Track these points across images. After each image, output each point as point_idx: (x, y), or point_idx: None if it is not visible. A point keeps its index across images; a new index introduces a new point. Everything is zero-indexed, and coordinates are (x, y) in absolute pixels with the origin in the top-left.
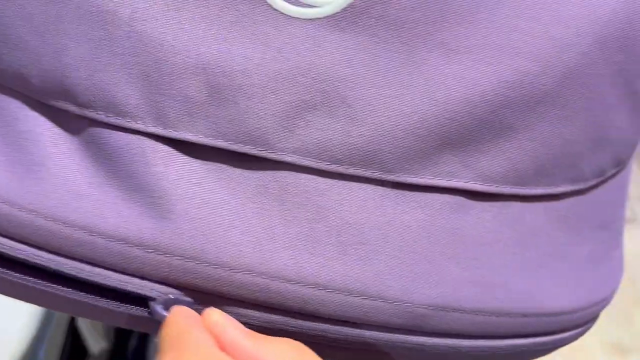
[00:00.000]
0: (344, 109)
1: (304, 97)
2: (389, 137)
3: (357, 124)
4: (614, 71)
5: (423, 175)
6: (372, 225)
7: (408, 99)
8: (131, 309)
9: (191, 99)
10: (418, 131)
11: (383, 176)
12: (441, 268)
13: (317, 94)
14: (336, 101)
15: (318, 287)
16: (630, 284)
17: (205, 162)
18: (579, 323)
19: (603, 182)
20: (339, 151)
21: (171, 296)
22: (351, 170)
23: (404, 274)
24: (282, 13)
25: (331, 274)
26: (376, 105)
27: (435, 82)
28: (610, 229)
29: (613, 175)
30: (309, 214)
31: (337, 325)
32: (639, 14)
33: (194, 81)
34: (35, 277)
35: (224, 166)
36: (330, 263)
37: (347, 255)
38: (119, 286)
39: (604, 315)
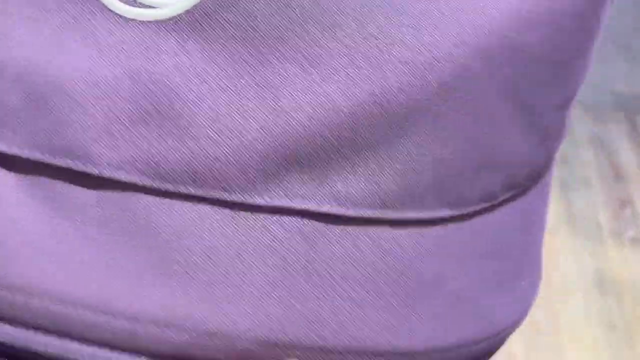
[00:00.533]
0: (176, 121)
1: (132, 107)
2: (226, 154)
3: (189, 139)
4: (502, 85)
5: (268, 196)
6: (203, 249)
7: (251, 113)
8: None
9: (6, 107)
10: (261, 148)
11: (220, 196)
12: (272, 299)
13: (148, 104)
14: (168, 113)
15: (128, 318)
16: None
17: (22, 176)
18: None
19: (494, 207)
20: (168, 168)
21: None
22: (182, 189)
23: (224, 304)
24: (117, 15)
25: (145, 302)
26: (213, 119)
27: (285, 97)
28: (506, 258)
29: (510, 200)
30: (131, 235)
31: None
32: (527, 24)
33: (11, 88)
34: None
35: (42, 180)
36: (145, 290)
37: (166, 282)
38: None
39: (608, 337)
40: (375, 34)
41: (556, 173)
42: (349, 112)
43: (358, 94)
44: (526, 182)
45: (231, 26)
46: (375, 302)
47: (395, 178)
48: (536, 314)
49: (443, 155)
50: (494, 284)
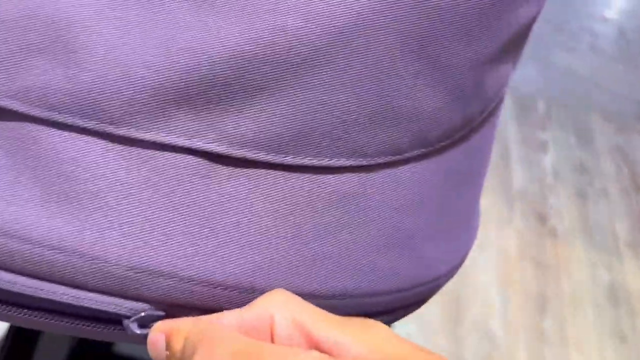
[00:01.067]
0: (68, 54)
1: (28, 41)
2: (114, 87)
3: (79, 70)
4: (404, 38)
5: (154, 131)
6: (86, 180)
7: (142, 49)
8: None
9: None
10: (149, 84)
11: (106, 128)
12: (163, 232)
13: (43, 38)
14: (61, 46)
15: (16, 239)
16: None
17: None
18: None
19: (402, 163)
20: (57, 98)
21: (143, 314)
22: (69, 120)
23: (113, 232)
24: None
25: (37, 228)
26: (104, 54)
27: (177, 34)
28: (411, 213)
29: (422, 157)
30: (18, 161)
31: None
32: None
33: None
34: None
35: None
36: (33, 216)
37: (51, 208)
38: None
39: (617, 349)
40: None
41: (575, 181)
42: (240, 54)
43: (250, 36)
44: (440, 140)
45: None
46: (259, 244)
47: (287, 123)
48: (543, 322)
49: (338, 103)
50: (399, 240)
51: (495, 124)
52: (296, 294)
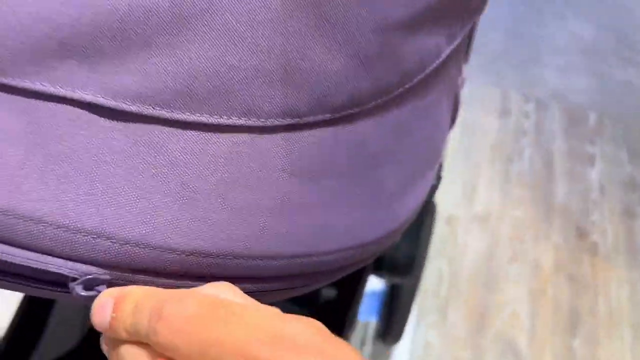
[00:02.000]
0: None
1: None
2: (0, 37)
3: None
4: None
5: (37, 81)
6: None
7: (28, 1)
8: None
9: None
10: (33, 34)
11: None
12: (39, 181)
13: None
14: None
15: None
16: None
17: None
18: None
19: (301, 127)
20: None
21: (89, 276)
22: None
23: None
24: None
25: None
26: None
27: None
28: (307, 179)
29: (326, 124)
30: None
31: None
32: None
33: None
34: None
35: None
36: None
37: None
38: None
39: None
40: None
41: (623, 198)
42: (124, 4)
43: None
44: (345, 106)
45: None
46: (138, 199)
47: (174, 77)
48: (573, 341)
49: (228, 60)
50: (299, 203)
51: (430, 104)
52: (180, 251)
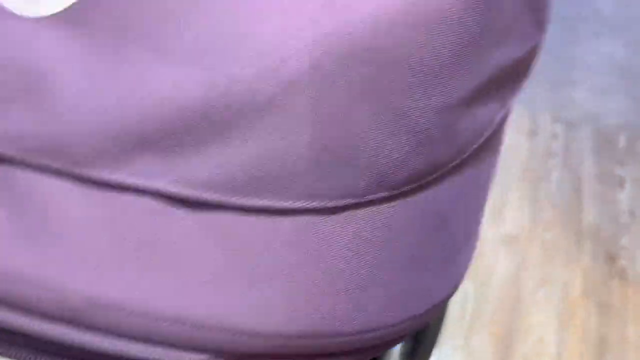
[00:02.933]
0: (42, 102)
1: (4, 90)
2: (79, 132)
3: (49, 115)
4: (358, 86)
5: (117, 173)
6: (49, 217)
7: (109, 95)
8: None
9: None
10: (113, 127)
11: (71, 169)
12: (121, 267)
13: (18, 86)
14: (35, 94)
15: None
16: None
17: None
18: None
19: (362, 205)
20: (29, 141)
21: None
22: (40, 160)
23: (79, 269)
24: (8, 10)
25: (18, 265)
26: (73, 100)
27: (142, 82)
28: (372, 255)
29: (386, 200)
30: (9, 204)
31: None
32: (384, 26)
33: None
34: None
35: None
36: (20, 254)
37: (37, 249)
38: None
39: None
40: (229, 27)
41: None
42: (199, 101)
43: (208, 83)
44: (406, 183)
45: (101, 18)
46: (217, 282)
47: (241, 166)
48: None
49: (292, 148)
50: (366, 278)
51: (486, 165)
52: (254, 334)
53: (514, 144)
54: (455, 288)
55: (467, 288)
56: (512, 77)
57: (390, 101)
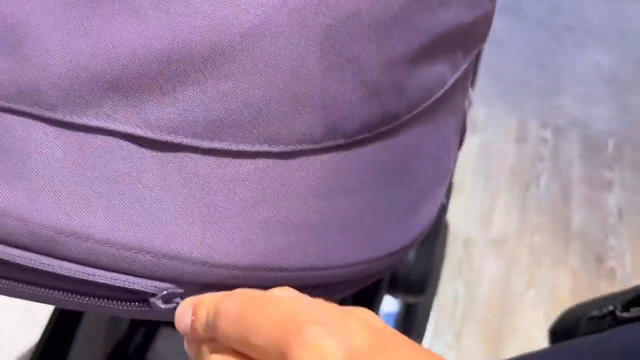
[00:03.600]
0: (18, 49)
1: None
2: (53, 76)
3: (24, 62)
4: (312, 36)
5: (86, 116)
6: (25, 157)
7: (80, 44)
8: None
9: None
10: (83, 73)
11: (44, 113)
12: (89, 202)
13: None
14: (11, 43)
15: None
16: None
17: None
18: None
19: (317, 152)
20: (7, 87)
21: (165, 292)
22: (14, 105)
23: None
24: None
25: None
26: (47, 48)
27: (111, 33)
28: (325, 198)
29: (339, 148)
30: None
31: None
32: None
33: None
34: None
35: None
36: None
37: (10, 191)
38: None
39: None
40: None
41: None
42: (162, 52)
43: (170, 35)
44: (357, 132)
45: None
46: (179, 217)
47: (204, 111)
48: None
49: (252, 94)
50: (319, 219)
51: (438, 128)
52: (212, 265)
53: (503, 149)
54: (400, 251)
55: (457, 288)
56: (461, 41)
57: (342, 51)
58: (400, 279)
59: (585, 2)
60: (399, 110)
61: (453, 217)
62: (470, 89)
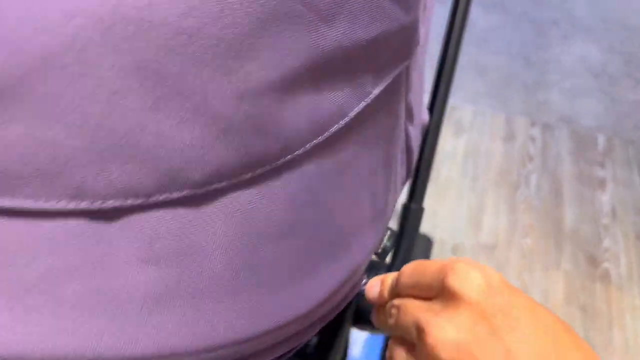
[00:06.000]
0: None
1: None
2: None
3: None
4: (131, 63)
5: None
6: None
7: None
8: None
9: None
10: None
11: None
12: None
13: None
14: None
15: None
16: None
17: None
18: None
19: (150, 207)
20: None
21: None
22: None
23: None
24: None
25: None
26: None
27: None
28: (167, 268)
29: (188, 201)
30: None
31: None
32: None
33: None
34: None
35: None
36: None
37: None
38: None
39: None
40: None
41: (636, 223)
42: None
43: None
44: (211, 181)
45: None
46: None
47: None
48: None
49: (50, 137)
50: (158, 293)
51: (347, 167)
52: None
53: (490, 149)
54: (295, 320)
55: None
56: (365, 62)
57: (173, 82)
58: (363, 311)
59: None
60: (269, 150)
61: (440, 222)
62: (418, 108)
